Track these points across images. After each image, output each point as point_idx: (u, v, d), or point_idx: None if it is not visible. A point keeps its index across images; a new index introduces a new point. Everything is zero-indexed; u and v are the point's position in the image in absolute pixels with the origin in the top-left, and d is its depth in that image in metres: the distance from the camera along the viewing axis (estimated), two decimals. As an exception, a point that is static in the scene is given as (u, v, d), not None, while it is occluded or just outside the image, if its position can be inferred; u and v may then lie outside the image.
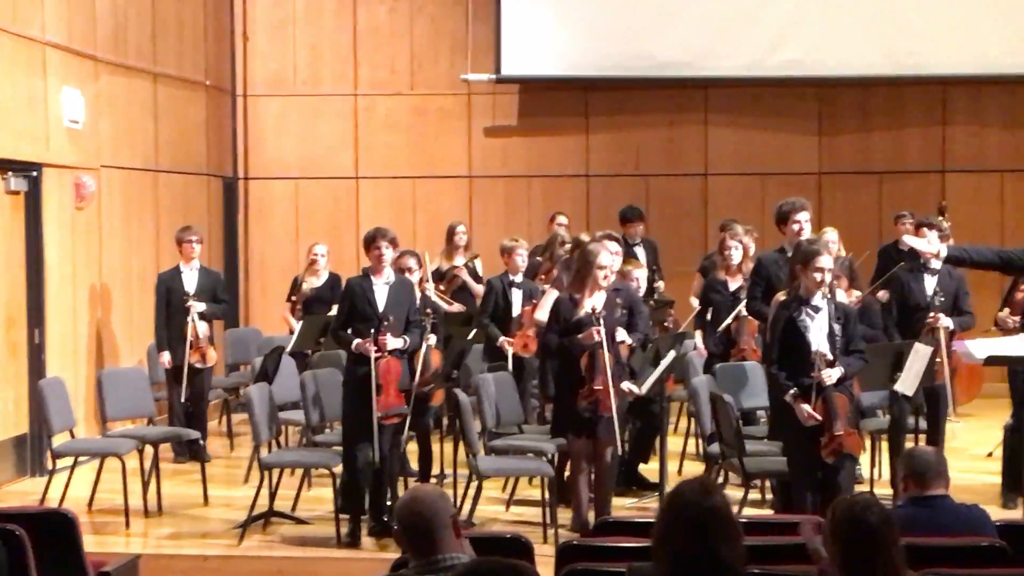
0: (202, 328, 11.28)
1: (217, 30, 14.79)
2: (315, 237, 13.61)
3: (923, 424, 9.18)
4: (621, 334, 8.51)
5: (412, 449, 9.94)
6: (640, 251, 12.48)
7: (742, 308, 9.88)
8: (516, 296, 10.82)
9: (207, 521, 9.45)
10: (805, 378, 7.54)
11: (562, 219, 13.24)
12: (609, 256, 8.68)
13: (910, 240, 8.46)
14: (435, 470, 10.04)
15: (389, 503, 8.72)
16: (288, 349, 10.95)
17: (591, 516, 8.46)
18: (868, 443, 9.39)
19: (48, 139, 11.25)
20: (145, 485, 9.57)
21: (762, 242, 11.53)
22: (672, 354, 9.08)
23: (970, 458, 10.97)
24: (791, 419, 7.59)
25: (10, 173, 10.73)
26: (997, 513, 8.37)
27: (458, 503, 8.93)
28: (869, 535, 4.21)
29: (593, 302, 8.48)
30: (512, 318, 10.74)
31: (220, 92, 14.86)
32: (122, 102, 12.57)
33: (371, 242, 8.82)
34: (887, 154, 14.92)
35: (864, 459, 9.23)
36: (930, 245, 8.18)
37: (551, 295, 9.47)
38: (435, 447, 10.07)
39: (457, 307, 11.92)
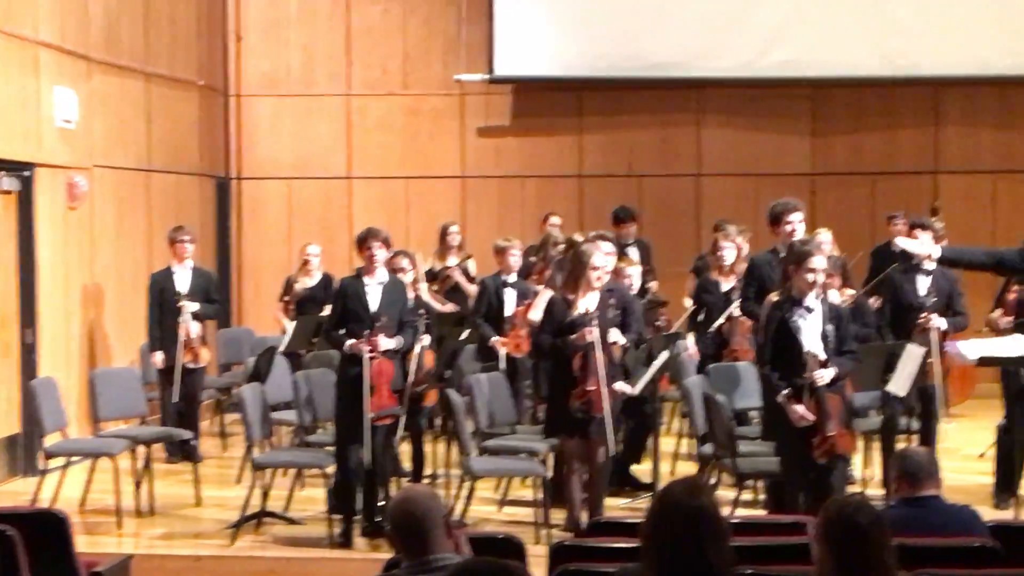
0: (195, 328, 11.27)
1: (210, 30, 14.78)
2: (308, 237, 13.62)
3: (915, 425, 9.19)
4: (614, 335, 8.51)
5: (405, 449, 9.94)
6: (633, 252, 12.46)
7: (734, 309, 9.89)
8: (509, 296, 10.81)
9: (199, 521, 9.44)
10: (798, 379, 7.54)
11: (555, 219, 13.25)
12: (603, 257, 8.69)
13: (902, 242, 8.47)
14: (428, 470, 10.04)
15: (382, 503, 8.71)
16: (281, 349, 10.94)
17: (584, 516, 8.46)
18: (861, 444, 9.39)
19: (41, 139, 11.24)
20: (137, 485, 9.56)
21: (755, 243, 11.52)
22: (665, 354, 9.09)
23: (962, 458, 10.98)
24: (784, 420, 7.60)
25: (2, 173, 10.72)
26: (989, 513, 8.37)
27: (451, 503, 8.93)
28: (860, 536, 4.21)
29: (586, 303, 8.48)
30: (505, 318, 10.73)
31: (213, 92, 14.85)
32: (115, 102, 12.56)
33: (363, 242, 8.82)
34: (880, 155, 14.94)
35: (857, 460, 9.24)
36: (923, 247, 8.19)
37: (545, 295, 9.47)
38: (428, 447, 10.07)
39: (450, 307, 11.92)
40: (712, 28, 14.61)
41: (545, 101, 15.16)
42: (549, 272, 10.71)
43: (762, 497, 9.16)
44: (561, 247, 10.78)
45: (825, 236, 10.14)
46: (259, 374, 10.23)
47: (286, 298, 12.55)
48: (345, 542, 8.64)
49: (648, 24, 14.62)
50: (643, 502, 9.44)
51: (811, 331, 7.62)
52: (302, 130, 15.31)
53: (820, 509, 4.44)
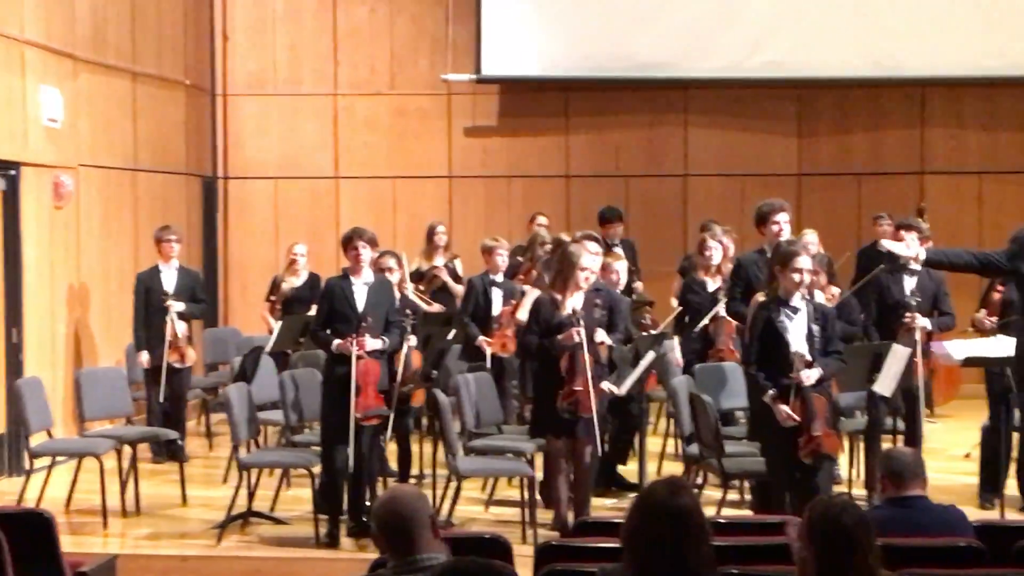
0: (181, 328, 11.25)
1: (197, 29, 14.76)
2: (295, 237, 13.60)
3: (901, 425, 9.21)
4: (600, 335, 8.51)
5: (391, 449, 9.93)
6: (619, 252, 12.48)
7: (719, 309, 9.89)
8: (496, 296, 10.82)
9: (185, 521, 9.42)
10: (784, 379, 7.56)
11: (542, 219, 13.25)
12: (590, 257, 8.70)
13: (888, 244, 8.49)
14: (414, 470, 10.04)
15: (368, 503, 8.71)
16: (267, 349, 10.93)
17: (570, 516, 8.46)
18: (846, 444, 9.41)
19: (27, 138, 11.21)
20: (123, 485, 9.54)
21: (741, 243, 11.55)
22: (651, 355, 9.10)
23: (948, 458, 11.01)
24: (770, 420, 7.61)
25: (-12, 172, 10.71)
26: (974, 513, 8.40)
27: (437, 503, 8.93)
28: (844, 536, 4.22)
29: (572, 303, 8.48)
30: (492, 318, 10.74)
31: (200, 91, 14.83)
32: (101, 101, 12.53)
33: (348, 242, 8.81)
34: (866, 155, 14.97)
35: (842, 460, 9.26)
36: (908, 249, 8.21)
37: (532, 295, 9.47)
38: (414, 447, 10.06)
39: (437, 307, 11.92)
40: (699, 29, 14.62)
41: (532, 101, 15.17)
42: (536, 272, 10.72)
43: (748, 497, 9.17)
44: (548, 247, 10.79)
45: (811, 237, 10.18)
46: (245, 374, 10.22)
47: (272, 298, 12.54)
48: (331, 542, 8.64)
49: (635, 25, 14.63)
50: (629, 502, 9.44)
51: (797, 331, 7.64)
52: (289, 130, 15.30)
53: (805, 509, 4.45)
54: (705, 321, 10.03)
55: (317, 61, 15.29)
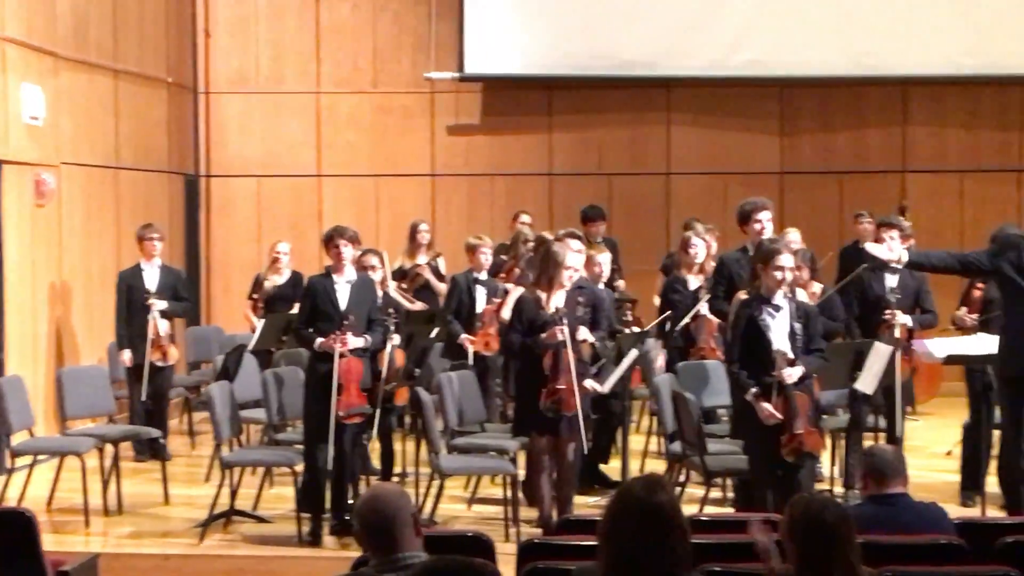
0: (163, 326, 11.23)
1: (179, 27, 14.73)
2: (277, 235, 13.58)
3: (883, 423, 9.24)
4: (583, 333, 8.52)
5: (374, 447, 9.93)
6: (602, 245, 12.50)
7: (700, 307, 9.90)
8: (480, 294, 10.82)
9: (168, 520, 9.41)
10: (766, 377, 7.57)
11: (525, 218, 13.25)
12: (574, 256, 8.71)
13: (871, 248, 8.51)
14: (397, 468, 10.03)
15: (351, 502, 8.70)
16: (250, 347, 10.91)
17: (554, 514, 8.46)
18: (829, 442, 9.43)
19: (8, 136, 11.17)
20: (105, 484, 9.52)
21: (724, 241, 11.58)
22: (634, 353, 9.10)
23: (929, 456, 11.05)
24: (752, 418, 7.62)
25: (-31, 170, 10.66)
26: (955, 511, 8.44)
27: (420, 502, 8.93)
28: (826, 533, 4.23)
29: (555, 301, 8.49)
30: (476, 316, 10.74)
31: (182, 89, 14.80)
32: (83, 99, 12.50)
33: (329, 240, 8.81)
34: (848, 154, 15.01)
35: (825, 457, 9.28)
36: (891, 252, 8.24)
37: (516, 294, 9.47)
38: (397, 445, 10.06)
39: (420, 305, 11.91)
40: (681, 27, 14.65)
41: (515, 99, 15.17)
42: (519, 270, 10.72)
43: (731, 495, 9.19)
44: (531, 245, 10.80)
45: (794, 235, 10.19)
46: (228, 372, 10.21)
47: (255, 296, 12.51)
48: (314, 540, 8.64)
49: (618, 23, 14.65)
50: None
51: (779, 329, 7.65)
52: (271, 127, 15.27)
53: (786, 506, 4.46)
54: (687, 320, 10.04)
55: (300, 59, 15.27)
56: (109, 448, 9.65)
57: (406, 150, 15.21)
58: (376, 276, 9.50)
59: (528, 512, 8.91)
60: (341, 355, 8.57)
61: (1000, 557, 5.22)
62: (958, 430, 9.76)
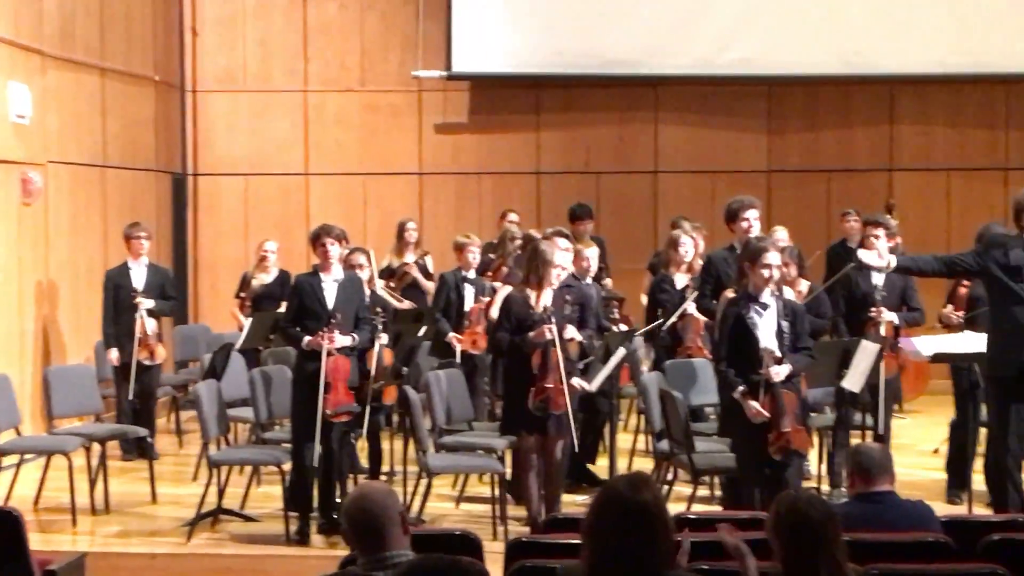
0: (150, 325, 11.21)
1: (166, 25, 14.70)
2: (265, 234, 13.56)
3: (869, 421, 9.25)
4: (571, 331, 8.52)
5: (361, 446, 9.93)
6: (589, 240, 12.50)
7: (687, 306, 9.90)
8: (468, 292, 10.82)
9: (155, 519, 9.39)
10: (753, 375, 7.58)
11: (513, 216, 13.24)
12: (562, 254, 8.72)
13: (863, 255, 8.52)
14: (385, 467, 10.03)
15: (339, 500, 8.70)
16: (237, 346, 10.90)
17: (542, 513, 8.47)
18: (816, 440, 9.45)
19: (-6, 134, 11.16)
20: (92, 483, 9.50)
21: (711, 240, 11.58)
22: (622, 351, 9.11)
23: (916, 454, 11.08)
24: (740, 416, 7.63)
25: (-45, 168, 10.64)
26: (942, 509, 8.47)
27: (408, 500, 8.92)
28: (811, 530, 4.24)
29: (543, 300, 8.49)
30: (464, 314, 10.74)
31: (169, 87, 14.78)
32: (70, 97, 12.47)
33: (316, 239, 8.81)
34: (835, 152, 15.04)
35: (812, 455, 9.29)
36: (881, 259, 8.27)
37: (504, 292, 9.47)
38: (385, 444, 10.06)
39: (407, 304, 11.91)
40: (669, 26, 14.66)
41: (502, 98, 15.17)
42: (507, 269, 10.72)
43: (718, 493, 9.20)
44: (519, 243, 10.79)
45: (781, 233, 10.21)
46: (215, 371, 10.19)
47: (242, 295, 12.50)
48: (301, 539, 8.63)
49: (605, 21, 14.65)
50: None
51: (767, 327, 7.66)
52: (259, 126, 15.26)
53: (772, 503, 4.47)
54: (673, 318, 10.04)
55: (287, 57, 15.26)
56: (96, 447, 9.63)
57: (394, 149, 15.20)
58: (363, 275, 9.50)
59: (516, 510, 8.92)
60: (328, 353, 8.56)
61: (987, 555, 5.23)
62: (945, 428, 9.79)
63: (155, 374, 11.43)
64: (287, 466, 8.86)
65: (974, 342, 8.35)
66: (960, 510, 8.74)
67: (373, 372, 9.10)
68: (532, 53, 14.81)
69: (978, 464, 8.95)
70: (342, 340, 8.63)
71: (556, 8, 14.76)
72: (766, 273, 7.65)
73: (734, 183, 13.86)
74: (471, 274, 10.90)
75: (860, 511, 5.43)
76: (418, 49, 15.03)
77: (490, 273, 11.22)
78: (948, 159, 14.91)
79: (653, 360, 10.31)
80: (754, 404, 7.55)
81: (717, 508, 8.79)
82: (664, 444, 8.94)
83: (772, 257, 7.68)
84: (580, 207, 12.64)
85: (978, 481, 8.85)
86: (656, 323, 10.04)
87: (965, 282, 9.64)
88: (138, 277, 11.33)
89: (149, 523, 9.28)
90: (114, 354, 11.18)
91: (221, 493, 9.03)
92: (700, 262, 10.05)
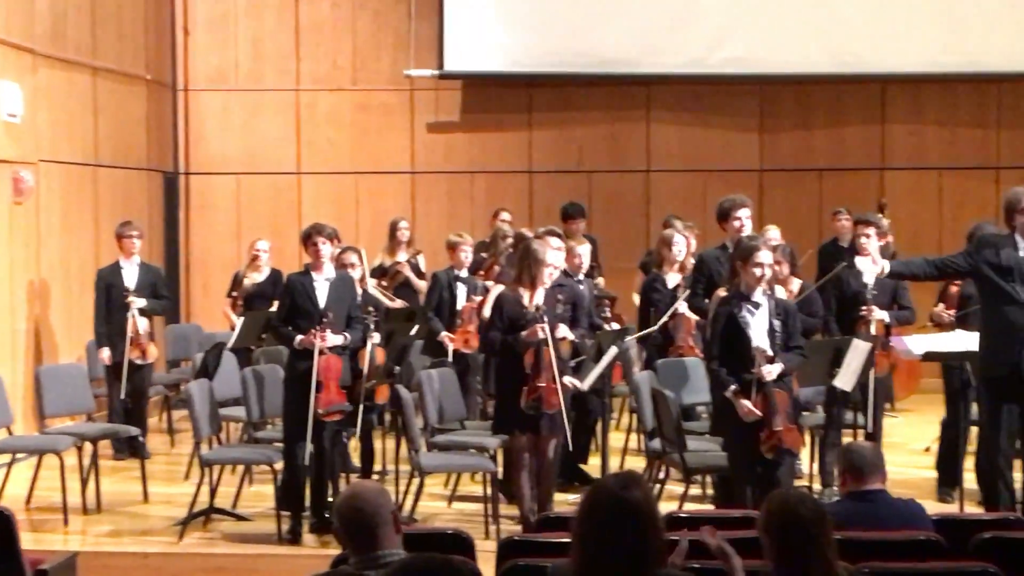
0: (142, 324, 11.20)
1: (157, 24, 14.69)
2: (257, 233, 13.56)
3: (861, 419, 9.26)
4: (563, 330, 8.52)
5: (354, 445, 9.92)
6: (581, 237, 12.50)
7: (678, 306, 9.91)
8: (461, 291, 10.82)
9: (147, 518, 9.39)
10: (745, 374, 7.59)
11: (505, 215, 13.24)
12: (555, 253, 8.72)
13: (860, 264, 8.54)
14: (377, 466, 10.03)
15: (331, 499, 8.70)
16: (229, 345, 10.90)
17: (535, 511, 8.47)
18: (807, 438, 9.46)
19: (-15, 133, 11.15)
20: (84, 482, 9.49)
21: (703, 239, 11.59)
22: (614, 350, 9.11)
23: (907, 453, 11.10)
24: (732, 415, 7.64)
25: (-54, 167, 10.62)
26: (934, 507, 8.47)
27: (400, 499, 8.92)
28: (802, 528, 4.25)
29: (536, 299, 8.49)
30: (456, 313, 10.74)
31: (161, 86, 14.76)
32: (61, 96, 12.46)
33: (308, 238, 8.80)
34: (827, 151, 15.05)
35: (804, 454, 9.30)
36: (875, 265, 8.28)
37: (496, 291, 9.47)
38: (377, 443, 10.06)
39: (399, 303, 11.90)
40: (661, 25, 14.67)
41: (495, 97, 15.17)
42: (499, 268, 10.72)
43: (710, 492, 9.21)
44: (511, 242, 10.80)
45: (773, 232, 10.23)
46: (207, 370, 10.18)
47: (234, 294, 12.50)
48: (293, 538, 8.62)
49: (598, 21, 14.66)
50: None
51: (759, 327, 7.67)
52: (251, 125, 15.24)
53: (763, 501, 4.47)
54: (664, 318, 10.04)
55: (279, 56, 15.24)
56: (88, 446, 9.62)
57: (386, 147, 15.19)
58: (355, 274, 9.50)
59: (508, 509, 8.92)
60: (320, 352, 8.56)
61: (977, 553, 5.24)
62: (936, 427, 9.81)
63: (147, 373, 11.43)
64: (279, 465, 8.86)
65: (965, 341, 8.37)
66: (951, 508, 8.76)
67: (365, 371, 9.10)
68: (524, 52, 14.81)
69: (969, 463, 8.97)
70: (334, 339, 8.62)
71: (548, 7, 14.76)
72: (758, 272, 7.66)
73: (726, 182, 13.85)
74: (463, 273, 10.90)
75: (851, 510, 5.43)
76: (410, 48, 15.03)
77: (482, 272, 11.22)
78: (940, 158, 14.93)
79: (644, 359, 10.32)
80: (746, 403, 7.55)
81: (709, 507, 8.80)
82: (656, 443, 8.95)
83: (764, 256, 7.69)
84: (572, 206, 12.65)
85: (969, 480, 8.87)
86: (648, 330, 10.01)
87: (956, 281, 9.65)
88: (130, 276, 11.32)
89: (141, 522, 9.27)
90: (106, 353, 11.17)
91: (213, 492, 9.02)
92: (692, 261, 10.05)
